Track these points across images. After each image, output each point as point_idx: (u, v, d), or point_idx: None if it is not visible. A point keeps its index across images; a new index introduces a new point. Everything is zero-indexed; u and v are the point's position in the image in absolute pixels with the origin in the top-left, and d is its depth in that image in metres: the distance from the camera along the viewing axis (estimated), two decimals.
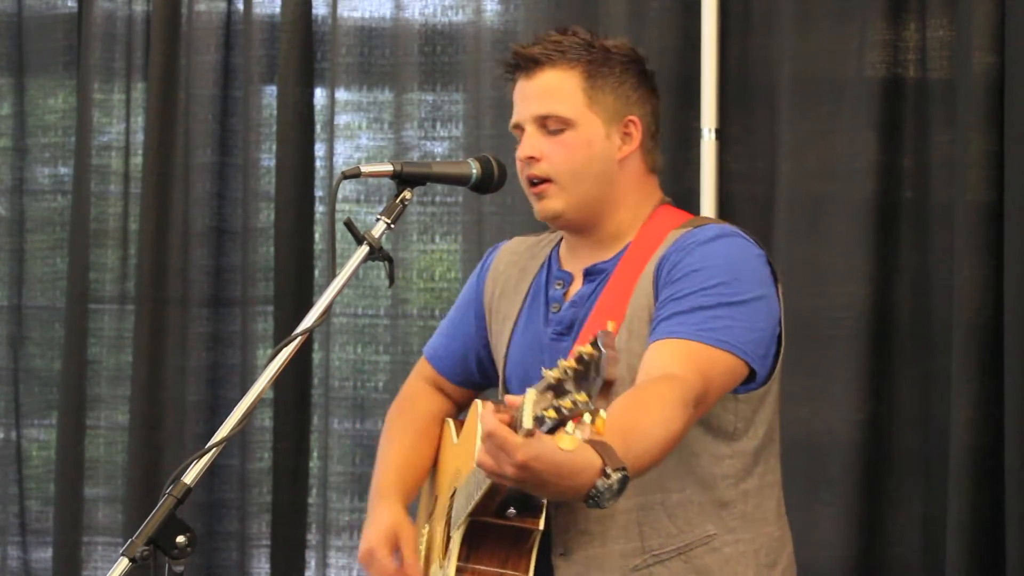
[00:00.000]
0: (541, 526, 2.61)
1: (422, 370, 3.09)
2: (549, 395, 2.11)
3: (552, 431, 2.11)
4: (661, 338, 2.61)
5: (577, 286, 2.82)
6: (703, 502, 2.71)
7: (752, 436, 2.76)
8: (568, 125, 2.75)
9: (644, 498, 2.69)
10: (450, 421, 3.02)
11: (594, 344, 2.06)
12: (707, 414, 2.66)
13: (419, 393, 3.08)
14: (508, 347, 2.89)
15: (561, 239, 2.91)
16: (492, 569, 2.63)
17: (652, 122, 2.83)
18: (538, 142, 2.76)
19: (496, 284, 2.96)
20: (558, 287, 2.84)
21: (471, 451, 2.67)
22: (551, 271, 2.88)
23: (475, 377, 3.04)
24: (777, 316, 2.72)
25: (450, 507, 2.81)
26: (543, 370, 2.13)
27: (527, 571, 2.61)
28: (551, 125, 2.76)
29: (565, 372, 2.09)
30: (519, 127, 2.80)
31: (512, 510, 2.58)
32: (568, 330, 2.78)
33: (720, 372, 2.61)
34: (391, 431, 3.05)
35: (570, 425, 2.07)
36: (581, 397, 2.05)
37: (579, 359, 2.08)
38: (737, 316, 2.63)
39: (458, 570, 2.64)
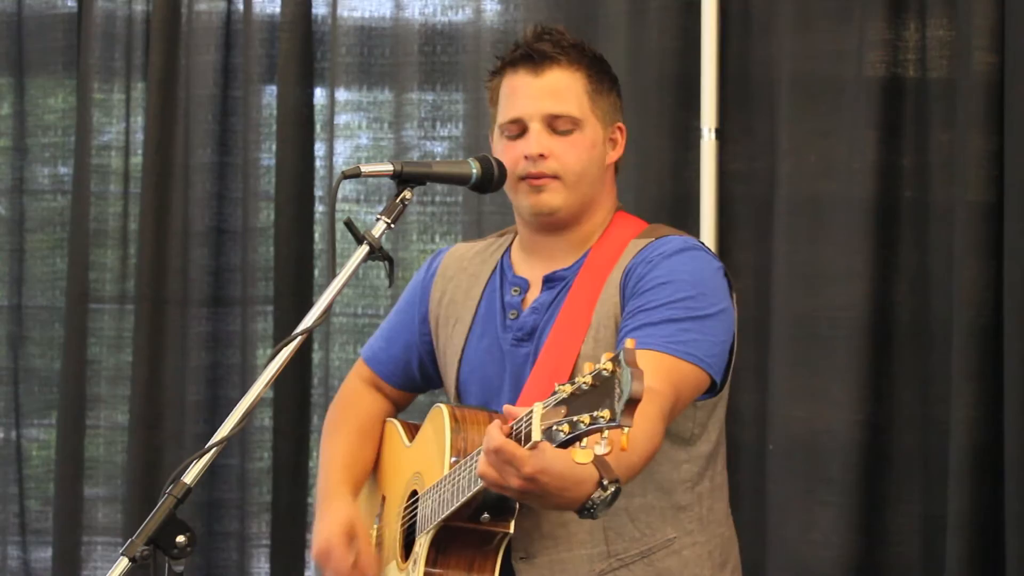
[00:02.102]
0: (512, 529, 2.64)
1: (360, 371, 3.10)
2: (562, 410, 2.12)
3: (564, 445, 2.13)
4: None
5: (535, 293, 2.84)
6: (663, 507, 2.76)
7: (706, 440, 2.81)
8: (578, 126, 2.78)
9: None
10: (394, 421, 3.02)
11: (615, 361, 2.07)
12: None
13: (359, 393, 3.08)
14: (463, 352, 2.90)
15: (511, 244, 2.93)
16: (459, 573, 2.65)
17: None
18: (547, 140, 2.77)
19: (444, 290, 2.98)
20: (515, 293, 2.86)
21: (435, 455, 2.71)
22: (505, 276, 2.90)
23: (416, 381, 3.06)
24: (733, 328, 2.77)
25: (410, 510, 2.82)
26: (556, 385, 2.14)
27: (493, 572, 2.64)
28: (561, 126, 2.78)
29: (580, 388, 2.10)
30: (519, 122, 2.80)
31: (486, 515, 2.61)
32: (529, 337, 2.80)
33: (688, 385, 2.65)
34: (333, 429, 3.05)
35: (585, 440, 2.09)
36: (604, 414, 2.06)
37: (596, 375, 2.09)
38: (702, 330, 2.67)
39: (426, 575, 2.66)
